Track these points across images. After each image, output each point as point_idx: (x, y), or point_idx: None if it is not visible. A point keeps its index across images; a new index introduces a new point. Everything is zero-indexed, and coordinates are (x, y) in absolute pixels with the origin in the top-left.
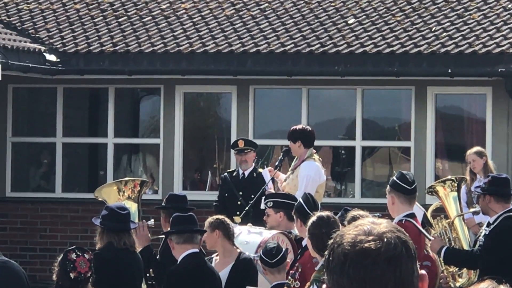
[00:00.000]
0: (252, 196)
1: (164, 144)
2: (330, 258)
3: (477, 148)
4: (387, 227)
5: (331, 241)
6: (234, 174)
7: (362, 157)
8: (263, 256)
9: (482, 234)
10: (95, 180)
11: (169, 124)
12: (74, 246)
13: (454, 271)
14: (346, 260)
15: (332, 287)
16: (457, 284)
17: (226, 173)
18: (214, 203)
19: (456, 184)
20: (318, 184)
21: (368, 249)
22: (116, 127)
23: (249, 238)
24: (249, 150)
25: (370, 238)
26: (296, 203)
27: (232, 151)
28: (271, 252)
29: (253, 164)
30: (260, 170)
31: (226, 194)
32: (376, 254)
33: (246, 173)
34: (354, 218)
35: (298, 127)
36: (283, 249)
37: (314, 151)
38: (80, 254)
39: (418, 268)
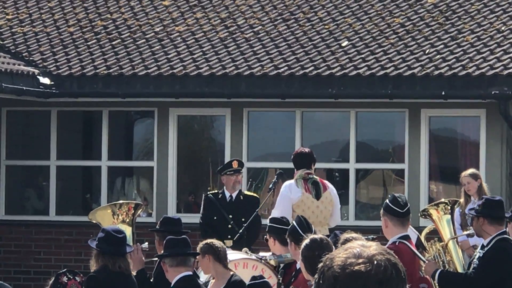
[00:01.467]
0: (243, 220)
1: (158, 167)
2: (320, 282)
3: (471, 170)
4: (377, 250)
5: (321, 264)
6: (220, 197)
7: (356, 180)
8: None
9: (476, 256)
10: (89, 203)
11: (163, 147)
12: (65, 269)
13: None
14: (337, 283)
15: None
16: None
17: (209, 194)
18: (200, 226)
19: (449, 207)
20: (294, 203)
21: (358, 272)
22: (110, 150)
23: None
24: (241, 170)
25: (360, 261)
26: (288, 227)
27: (223, 173)
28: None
29: (240, 186)
30: (247, 193)
31: (215, 218)
32: (366, 277)
33: (234, 195)
34: (348, 241)
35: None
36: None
37: (307, 171)
38: (72, 277)
39: None
